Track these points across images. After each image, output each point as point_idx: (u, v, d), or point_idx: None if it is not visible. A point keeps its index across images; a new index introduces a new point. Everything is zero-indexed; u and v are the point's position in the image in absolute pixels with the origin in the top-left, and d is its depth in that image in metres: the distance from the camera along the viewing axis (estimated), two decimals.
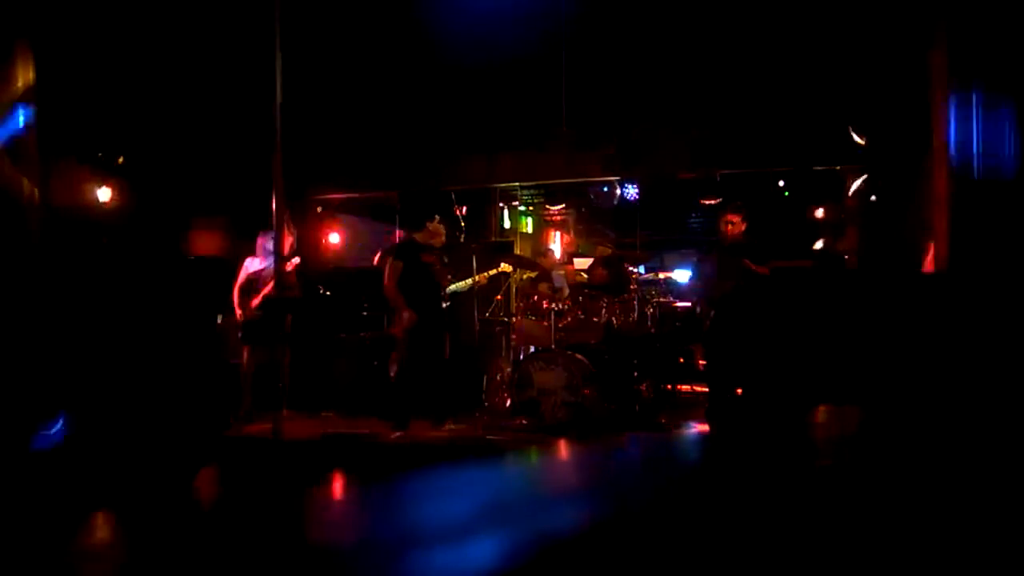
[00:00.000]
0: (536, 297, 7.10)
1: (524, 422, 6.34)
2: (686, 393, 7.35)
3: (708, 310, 6.46)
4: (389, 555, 3.10)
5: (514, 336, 7.33)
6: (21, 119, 5.80)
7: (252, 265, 7.07)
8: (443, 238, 6.51)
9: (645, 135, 8.03)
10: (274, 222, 5.54)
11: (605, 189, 8.82)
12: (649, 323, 6.90)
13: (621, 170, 8.36)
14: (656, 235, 10.48)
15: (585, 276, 7.84)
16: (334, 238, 9.48)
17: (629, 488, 4.47)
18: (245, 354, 6.99)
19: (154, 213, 8.09)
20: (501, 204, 9.81)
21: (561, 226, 11.71)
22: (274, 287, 6.30)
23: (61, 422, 5.35)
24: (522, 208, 10.92)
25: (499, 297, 7.75)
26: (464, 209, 8.36)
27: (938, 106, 5.50)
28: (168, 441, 5.77)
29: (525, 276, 7.83)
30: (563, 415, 6.16)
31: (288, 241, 6.23)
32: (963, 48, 5.28)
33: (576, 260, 8.72)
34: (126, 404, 6.43)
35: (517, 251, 9.51)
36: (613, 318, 6.81)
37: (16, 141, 5.92)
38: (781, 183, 8.83)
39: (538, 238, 11.52)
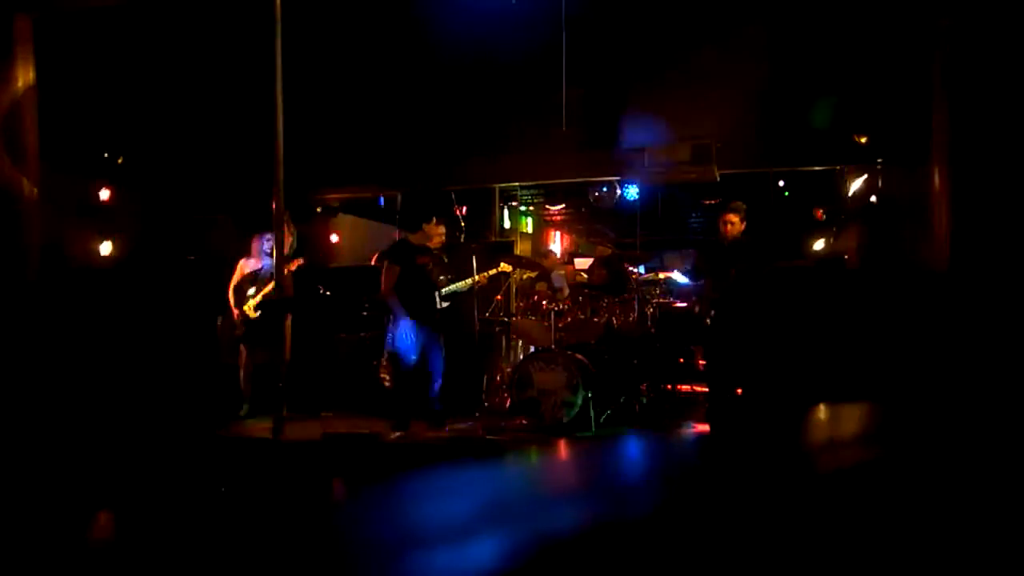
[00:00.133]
0: (536, 297, 7.09)
1: (524, 422, 6.34)
2: (686, 393, 7.34)
3: (708, 310, 6.45)
4: (389, 555, 3.10)
5: (514, 336, 7.34)
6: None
7: (248, 266, 7.08)
8: (443, 238, 6.50)
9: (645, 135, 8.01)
10: (274, 222, 5.54)
11: (605, 189, 8.82)
12: (649, 323, 6.90)
13: (621, 170, 8.35)
14: (656, 235, 10.50)
15: (585, 276, 7.84)
16: (334, 238, 9.49)
17: (629, 488, 4.47)
18: (243, 354, 7.00)
19: (154, 213, 8.10)
20: (501, 204, 9.80)
21: (561, 226, 11.72)
22: (274, 287, 6.30)
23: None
24: (522, 208, 10.93)
25: (499, 297, 7.74)
26: (464, 209, 8.34)
27: (938, 106, 5.51)
28: (164, 440, 5.77)
29: (525, 276, 7.82)
30: (563, 415, 6.16)
31: (288, 241, 6.23)
32: (964, 48, 5.30)
33: (576, 260, 8.72)
34: (126, 404, 6.44)
35: (517, 251, 9.50)
36: (613, 318, 6.82)
37: (16, 141, 5.94)
38: (781, 183, 8.84)
39: (538, 238, 11.53)
